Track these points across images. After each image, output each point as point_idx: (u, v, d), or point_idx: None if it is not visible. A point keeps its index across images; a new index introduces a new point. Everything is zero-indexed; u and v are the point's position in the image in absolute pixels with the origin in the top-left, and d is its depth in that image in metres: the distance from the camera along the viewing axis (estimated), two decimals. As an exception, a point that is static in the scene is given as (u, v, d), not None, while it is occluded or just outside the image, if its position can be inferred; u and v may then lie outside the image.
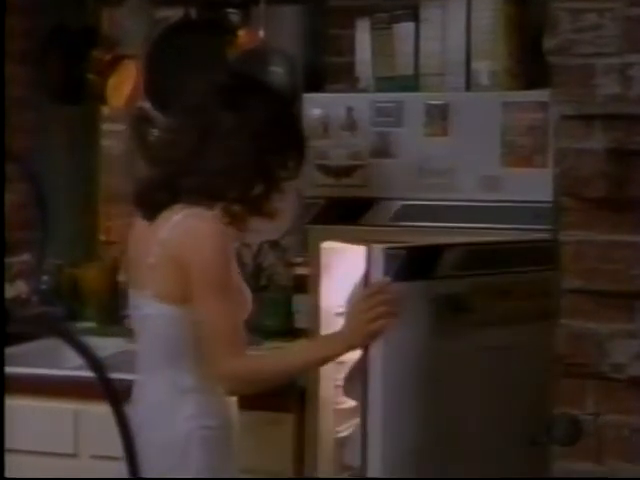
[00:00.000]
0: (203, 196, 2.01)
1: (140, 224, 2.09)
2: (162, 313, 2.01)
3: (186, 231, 1.98)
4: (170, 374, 2.03)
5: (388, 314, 1.83)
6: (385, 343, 1.85)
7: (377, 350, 1.85)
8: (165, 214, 2.02)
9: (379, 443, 1.86)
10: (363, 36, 2.59)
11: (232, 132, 2.02)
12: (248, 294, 2.16)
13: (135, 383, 2.10)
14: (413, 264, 1.87)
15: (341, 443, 2.48)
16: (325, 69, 2.98)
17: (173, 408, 2.03)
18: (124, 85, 3.27)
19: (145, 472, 1.99)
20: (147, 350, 2.09)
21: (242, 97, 2.07)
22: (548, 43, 1.65)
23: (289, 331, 2.91)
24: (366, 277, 1.88)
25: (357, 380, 1.91)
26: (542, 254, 1.91)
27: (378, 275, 1.85)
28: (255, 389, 2.07)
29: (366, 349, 1.87)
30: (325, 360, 2.00)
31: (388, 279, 1.84)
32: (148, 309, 2.04)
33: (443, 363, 1.89)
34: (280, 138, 2.08)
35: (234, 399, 2.13)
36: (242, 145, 2.02)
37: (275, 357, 2.14)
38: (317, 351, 2.02)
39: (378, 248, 1.85)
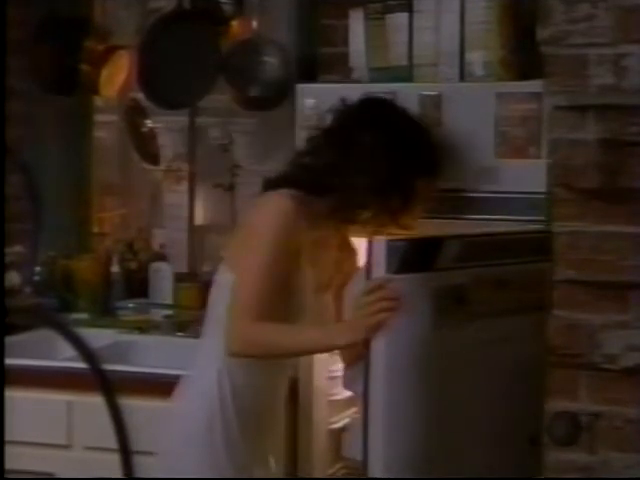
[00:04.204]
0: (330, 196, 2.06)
1: None
2: (222, 275, 2.07)
3: (261, 203, 2.07)
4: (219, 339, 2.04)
5: (389, 308, 1.84)
6: (387, 335, 1.85)
7: (379, 342, 1.85)
8: None
9: (381, 436, 1.85)
10: (357, 26, 2.58)
11: (372, 150, 2.07)
12: (319, 306, 2.14)
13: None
14: (415, 256, 1.86)
15: (337, 434, 2.48)
16: (318, 59, 2.97)
17: (211, 379, 2.06)
18: (117, 76, 3.26)
19: (173, 435, 2.09)
20: (207, 315, 2.14)
21: (380, 117, 2.14)
22: (541, 33, 1.65)
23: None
24: (368, 269, 1.87)
25: (358, 373, 1.91)
26: (538, 245, 1.91)
27: (380, 267, 1.84)
28: (256, 356, 2.06)
29: (367, 342, 1.87)
30: (325, 349, 2.01)
31: (390, 275, 1.84)
32: (217, 276, 2.12)
33: (444, 355, 1.89)
34: (417, 155, 2.13)
35: (283, 392, 2.16)
36: (382, 163, 2.06)
37: (285, 333, 2.06)
38: (322, 338, 2.01)
39: (380, 240, 1.85)
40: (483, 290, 1.92)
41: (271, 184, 2.12)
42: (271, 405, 2.14)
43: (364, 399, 1.87)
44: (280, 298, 2.00)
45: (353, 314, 1.93)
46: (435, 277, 1.87)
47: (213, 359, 2.07)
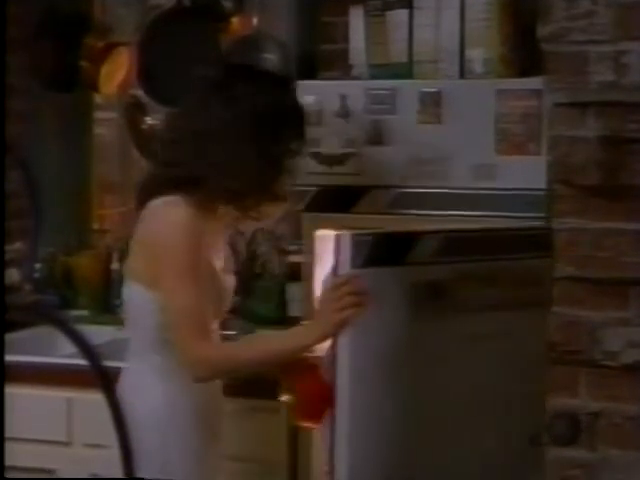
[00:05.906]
0: (206, 191, 2.01)
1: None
2: (136, 294, 2.05)
3: (157, 214, 2.03)
4: (149, 356, 2.06)
5: (356, 303, 1.82)
6: (353, 330, 1.82)
7: (345, 338, 1.82)
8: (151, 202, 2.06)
9: (346, 440, 1.81)
10: (357, 23, 2.59)
11: (227, 126, 2.01)
12: (229, 284, 2.16)
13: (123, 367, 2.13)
14: (382, 250, 1.84)
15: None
16: (319, 56, 2.97)
17: (152, 389, 2.05)
18: (117, 73, 3.26)
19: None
20: (129, 333, 2.14)
21: (232, 88, 2.06)
22: (542, 30, 1.64)
23: (282, 319, 2.91)
24: (335, 264, 1.85)
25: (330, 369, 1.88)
26: (535, 241, 1.91)
27: (346, 262, 1.82)
28: (224, 375, 2.08)
29: (336, 338, 1.84)
30: (298, 350, 1.96)
31: (356, 270, 1.82)
32: (127, 291, 2.09)
33: (423, 350, 1.86)
34: (278, 122, 2.06)
35: (219, 384, 2.14)
36: (240, 137, 2.01)
37: (246, 345, 2.12)
38: (289, 341, 1.99)
39: (346, 235, 1.83)
40: (467, 286, 1.90)
41: (147, 192, 2.08)
42: (213, 402, 2.12)
43: (334, 396, 1.82)
44: (206, 294, 1.99)
45: (319, 310, 1.89)
46: (411, 272, 1.85)
47: (149, 382, 2.05)
